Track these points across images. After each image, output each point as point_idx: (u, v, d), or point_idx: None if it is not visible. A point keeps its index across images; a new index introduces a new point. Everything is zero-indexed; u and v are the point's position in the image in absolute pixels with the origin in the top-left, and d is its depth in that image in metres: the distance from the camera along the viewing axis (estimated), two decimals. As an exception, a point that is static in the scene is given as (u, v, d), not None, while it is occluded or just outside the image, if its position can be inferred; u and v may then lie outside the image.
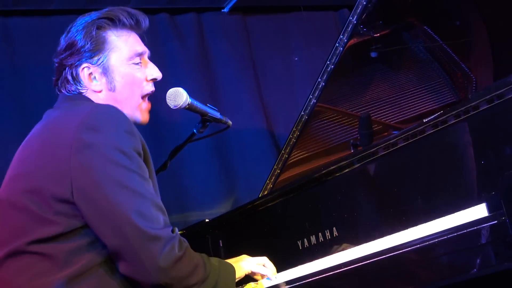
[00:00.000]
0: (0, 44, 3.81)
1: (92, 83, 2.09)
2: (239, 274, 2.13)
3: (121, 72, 2.11)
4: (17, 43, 3.84)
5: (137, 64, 2.15)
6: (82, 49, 2.08)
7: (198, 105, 2.56)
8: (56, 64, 2.14)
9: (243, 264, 2.16)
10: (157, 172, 2.75)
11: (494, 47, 2.69)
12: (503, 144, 1.73)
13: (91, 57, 2.08)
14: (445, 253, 1.65)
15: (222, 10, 4.34)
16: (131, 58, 2.13)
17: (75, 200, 1.86)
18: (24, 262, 1.89)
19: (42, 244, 1.87)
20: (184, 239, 1.95)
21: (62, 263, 1.86)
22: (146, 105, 2.20)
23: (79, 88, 2.10)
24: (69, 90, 2.11)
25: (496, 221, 1.56)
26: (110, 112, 1.95)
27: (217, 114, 2.62)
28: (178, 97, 2.50)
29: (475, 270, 1.59)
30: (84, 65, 2.08)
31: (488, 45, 2.71)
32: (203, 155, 3.99)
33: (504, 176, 1.57)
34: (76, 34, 2.10)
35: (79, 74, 2.09)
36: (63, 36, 2.14)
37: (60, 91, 2.14)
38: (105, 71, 2.09)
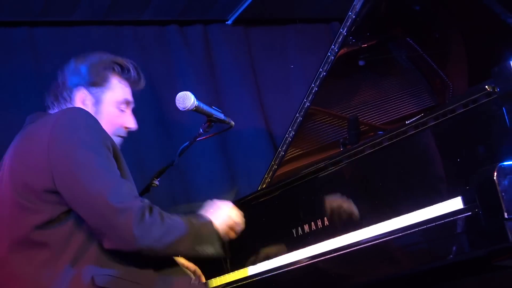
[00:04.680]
0: (27, 51, 3.81)
1: (81, 106, 2.15)
2: (219, 225, 2.08)
3: (107, 109, 2.18)
4: (42, 50, 3.83)
5: (122, 110, 2.22)
6: (87, 77, 2.16)
7: (204, 107, 2.56)
8: (58, 81, 2.20)
9: (218, 217, 2.10)
10: (166, 168, 2.75)
11: (469, 57, 2.69)
12: (477, 144, 1.73)
13: (91, 86, 2.16)
14: (425, 241, 1.65)
15: (226, 22, 4.34)
16: (120, 102, 2.21)
17: (57, 188, 1.90)
18: (26, 253, 1.91)
19: (39, 231, 1.90)
20: (156, 206, 1.96)
21: (61, 248, 1.90)
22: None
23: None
24: (57, 106, 2.18)
25: (470, 213, 1.56)
26: (79, 112, 2.02)
27: (221, 115, 2.62)
28: (186, 100, 2.50)
29: (451, 256, 1.59)
30: (83, 89, 2.16)
31: (464, 55, 2.71)
32: (208, 152, 3.99)
33: (478, 173, 1.57)
34: (88, 64, 2.18)
35: (75, 94, 2.16)
36: (76, 60, 2.21)
37: (47, 105, 2.20)
38: (97, 102, 2.17)
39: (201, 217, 2.08)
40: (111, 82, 2.19)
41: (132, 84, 2.26)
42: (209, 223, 2.06)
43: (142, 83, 2.29)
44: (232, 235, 2.15)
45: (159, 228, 1.90)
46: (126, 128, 2.25)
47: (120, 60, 2.23)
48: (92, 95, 2.16)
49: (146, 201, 1.94)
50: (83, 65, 2.18)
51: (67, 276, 1.86)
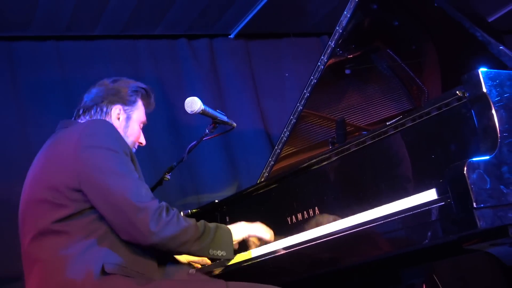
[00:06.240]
0: (54, 62, 3.80)
1: (116, 121, 2.21)
2: (238, 236, 2.12)
3: (133, 126, 2.26)
4: (68, 62, 3.84)
5: (140, 128, 2.30)
6: (124, 97, 2.24)
7: (210, 110, 2.56)
8: (95, 97, 2.22)
9: (241, 228, 2.15)
10: (176, 165, 2.74)
11: (442, 66, 2.69)
12: (449, 142, 1.73)
13: (125, 105, 2.23)
14: (403, 228, 1.65)
15: (229, 36, 4.34)
16: (141, 121, 2.29)
17: (82, 188, 1.91)
18: (48, 240, 1.92)
19: (60, 222, 1.91)
20: (173, 208, 1.98)
21: (80, 236, 1.90)
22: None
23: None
24: (88, 116, 2.20)
25: (443, 203, 1.56)
26: (104, 123, 2.07)
27: (224, 118, 2.62)
28: (194, 104, 2.50)
29: (426, 241, 1.59)
30: (119, 106, 2.22)
31: (437, 64, 2.71)
32: (213, 150, 3.99)
33: (450, 168, 1.57)
34: (127, 86, 2.26)
35: (111, 109, 2.21)
36: (112, 80, 2.28)
37: (77, 115, 2.22)
38: (128, 118, 2.24)
39: (222, 226, 2.10)
40: (138, 103, 2.27)
41: (147, 106, 2.33)
42: (227, 232, 2.09)
43: (153, 107, 2.37)
44: (257, 242, 2.20)
45: (174, 227, 1.92)
46: (140, 143, 2.32)
47: (145, 86, 2.32)
48: (125, 112, 2.23)
49: (164, 203, 1.95)
50: (120, 86, 2.25)
51: (81, 260, 1.86)
